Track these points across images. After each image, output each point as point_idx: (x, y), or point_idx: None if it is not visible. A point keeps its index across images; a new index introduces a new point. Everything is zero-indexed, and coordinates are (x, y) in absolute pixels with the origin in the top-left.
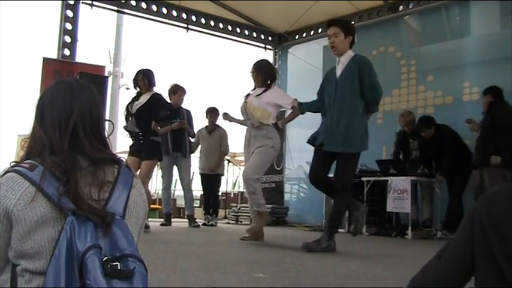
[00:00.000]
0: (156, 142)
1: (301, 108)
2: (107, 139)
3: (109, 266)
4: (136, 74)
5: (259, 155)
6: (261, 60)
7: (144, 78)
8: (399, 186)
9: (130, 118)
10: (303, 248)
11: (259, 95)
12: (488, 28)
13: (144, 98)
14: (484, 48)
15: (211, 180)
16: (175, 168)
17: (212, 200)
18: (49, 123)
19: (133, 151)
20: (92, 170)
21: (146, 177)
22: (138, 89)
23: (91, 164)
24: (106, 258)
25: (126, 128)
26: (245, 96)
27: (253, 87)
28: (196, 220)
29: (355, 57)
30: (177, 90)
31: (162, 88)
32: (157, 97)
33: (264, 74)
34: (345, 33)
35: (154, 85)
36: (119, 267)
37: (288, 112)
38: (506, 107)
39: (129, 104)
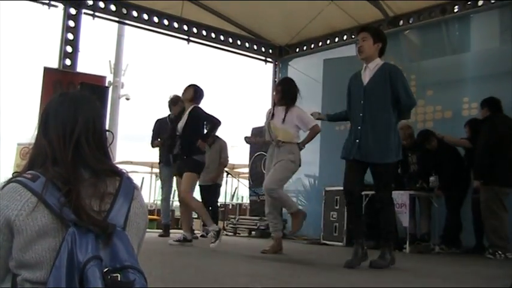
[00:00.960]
0: (198, 161)
1: (330, 120)
2: (109, 150)
3: (109, 277)
4: (188, 85)
5: (280, 168)
6: (285, 79)
7: (193, 89)
8: (398, 200)
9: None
10: (372, 267)
11: (284, 117)
12: (488, 43)
13: (185, 116)
14: (484, 64)
15: (209, 190)
16: (174, 179)
17: (211, 211)
18: (53, 134)
19: (177, 170)
20: (94, 182)
21: (188, 190)
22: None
23: (93, 176)
24: (107, 269)
25: (172, 152)
26: (269, 116)
27: (273, 103)
28: (195, 232)
29: (385, 66)
30: (177, 101)
31: (162, 99)
32: (195, 110)
33: (286, 95)
34: (374, 39)
35: (198, 102)
36: (119, 279)
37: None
38: (501, 120)
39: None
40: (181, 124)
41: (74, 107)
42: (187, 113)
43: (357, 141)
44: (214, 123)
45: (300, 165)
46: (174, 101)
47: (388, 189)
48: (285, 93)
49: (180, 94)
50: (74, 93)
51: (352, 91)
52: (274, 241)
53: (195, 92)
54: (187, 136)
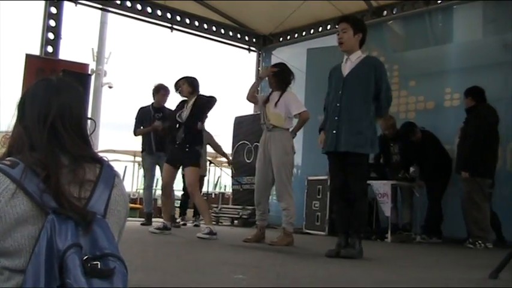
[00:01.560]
0: (199, 153)
1: (323, 130)
2: (89, 137)
3: (89, 265)
4: (178, 80)
5: (280, 171)
6: (278, 64)
7: (186, 83)
8: (380, 190)
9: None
10: (344, 256)
11: (276, 102)
12: (470, 35)
13: (189, 106)
14: (466, 55)
15: None
16: (157, 168)
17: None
18: (29, 120)
19: (171, 159)
20: (73, 168)
21: (196, 185)
22: (182, 95)
23: (72, 162)
24: (86, 257)
25: (174, 138)
26: (264, 101)
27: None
28: (178, 220)
29: (369, 59)
30: (159, 90)
31: (145, 87)
32: (199, 100)
33: (279, 79)
34: (354, 30)
35: (198, 91)
36: (99, 266)
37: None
38: (486, 110)
39: (177, 114)
40: (186, 114)
41: (51, 92)
42: (191, 103)
43: (334, 132)
44: (213, 101)
45: (294, 152)
46: (156, 89)
47: (361, 181)
48: (280, 77)
49: (163, 82)
50: (52, 79)
51: (332, 83)
52: (258, 230)
53: (190, 85)
54: (191, 125)
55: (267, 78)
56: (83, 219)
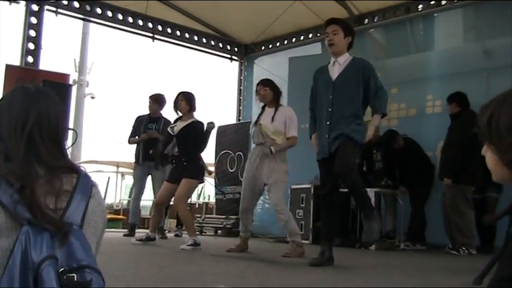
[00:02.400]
0: (201, 166)
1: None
2: (66, 148)
3: (65, 277)
4: (177, 95)
5: (278, 191)
6: (267, 80)
7: (186, 99)
8: None
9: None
10: (369, 230)
11: (273, 115)
12: (451, 42)
13: (184, 122)
14: (448, 62)
15: None
16: (149, 179)
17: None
18: (5, 129)
19: (172, 177)
20: (49, 179)
21: (184, 197)
22: (179, 112)
23: (48, 172)
24: (62, 269)
25: (163, 152)
26: (257, 120)
27: (261, 105)
28: (165, 232)
29: (357, 61)
30: (155, 99)
31: (127, 97)
32: (199, 127)
33: (277, 93)
34: (345, 33)
35: (194, 109)
36: (75, 279)
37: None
38: (470, 117)
39: (170, 127)
40: (181, 131)
41: (28, 101)
42: (189, 122)
43: (327, 136)
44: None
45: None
46: (152, 99)
47: (351, 167)
48: (276, 93)
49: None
50: (29, 88)
51: (319, 86)
52: (241, 240)
53: (188, 102)
54: (188, 143)
55: (259, 92)
56: (59, 230)
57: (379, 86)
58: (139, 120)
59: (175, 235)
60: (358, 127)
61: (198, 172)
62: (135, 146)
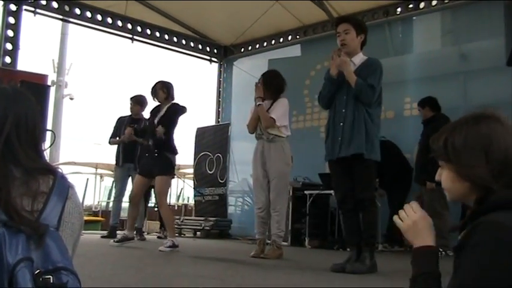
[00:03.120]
0: (170, 160)
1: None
2: (43, 149)
3: (41, 279)
4: (155, 84)
5: (279, 181)
6: (269, 72)
7: (164, 88)
8: None
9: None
10: (347, 271)
11: (269, 107)
12: (429, 45)
13: (161, 111)
14: (426, 65)
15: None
16: (130, 180)
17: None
18: None
19: (144, 170)
20: (25, 180)
21: (163, 195)
22: (157, 100)
23: (24, 174)
24: (38, 271)
25: (142, 143)
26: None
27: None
28: (144, 233)
29: (370, 61)
30: (136, 101)
31: (106, 98)
32: (174, 107)
33: (271, 88)
34: (357, 31)
35: (172, 97)
36: (51, 281)
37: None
38: (444, 122)
39: (149, 119)
40: (157, 120)
41: (5, 102)
42: (164, 109)
43: (340, 138)
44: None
45: (292, 161)
46: (133, 100)
47: (368, 189)
48: (268, 85)
49: (127, 92)
50: (6, 89)
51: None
52: (258, 244)
53: (166, 90)
54: (165, 132)
55: (258, 85)
56: (35, 232)
57: (370, 84)
58: (121, 121)
59: (159, 237)
60: (371, 139)
61: (168, 165)
62: (115, 147)
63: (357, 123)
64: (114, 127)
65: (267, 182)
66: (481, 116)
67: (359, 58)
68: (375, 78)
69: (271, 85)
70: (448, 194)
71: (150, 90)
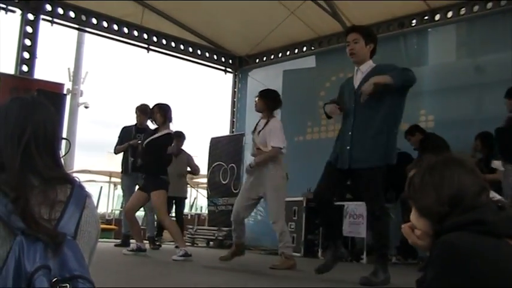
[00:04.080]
0: (160, 177)
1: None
2: (61, 158)
3: (58, 287)
4: (152, 107)
5: (276, 194)
6: (264, 90)
7: (160, 111)
8: (355, 211)
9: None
10: (361, 283)
11: (262, 128)
12: (444, 58)
13: (157, 134)
14: (440, 77)
15: (179, 203)
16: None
17: (179, 224)
18: (1, 140)
19: (141, 185)
20: (43, 189)
21: (162, 208)
22: (155, 124)
23: (42, 183)
24: (55, 279)
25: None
26: (253, 130)
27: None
28: (157, 243)
29: (380, 67)
30: (142, 110)
31: (121, 107)
32: (170, 139)
33: (269, 103)
34: (366, 41)
35: (170, 120)
36: None
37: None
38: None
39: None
40: (148, 140)
41: (25, 112)
42: (160, 134)
43: (348, 148)
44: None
45: (287, 178)
46: (139, 110)
47: (377, 200)
48: (267, 104)
49: (141, 102)
50: (26, 98)
51: (345, 96)
52: (235, 245)
53: (162, 115)
54: (152, 154)
55: (256, 102)
56: (52, 240)
57: (400, 68)
58: (126, 130)
59: (176, 246)
60: (379, 147)
61: (160, 183)
62: (121, 155)
63: (366, 134)
64: (119, 136)
65: (253, 195)
66: (444, 160)
67: (367, 66)
68: (398, 68)
69: (271, 103)
70: (416, 232)
71: (150, 114)
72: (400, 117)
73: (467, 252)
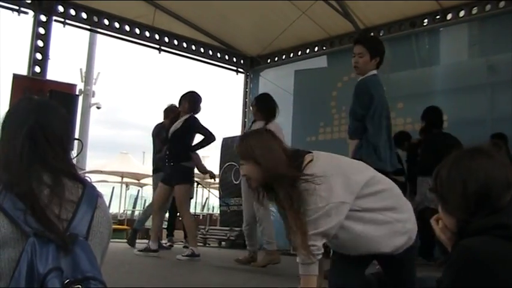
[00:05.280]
0: (187, 168)
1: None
2: (72, 158)
3: None
4: (181, 96)
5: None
6: (262, 95)
7: (186, 101)
8: None
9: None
10: None
11: None
12: (456, 57)
13: (178, 123)
14: (452, 77)
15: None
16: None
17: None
18: (9, 134)
19: (164, 178)
20: (54, 188)
21: (183, 204)
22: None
23: (53, 180)
24: (68, 280)
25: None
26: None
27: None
28: (164, 242)
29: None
30: (169, 111)
31: (133, 108)
32: (192, 120)
33: (264, 111)
34: (371, 54)
35: (195, 110)
36: None
37: None
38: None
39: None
40: (172, 129)
41: (35, 111)
42: (182, 120)
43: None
44: (209, 137)
45: None
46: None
47: None
48: (260, 107)
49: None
50: (36, 99)
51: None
52: (249, 254)
53: (189, 102)
54: (175, 143)
55: (251, 107)
56: (64, 241)
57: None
58: (158, 128)
59: (184, 246)
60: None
61: (186, 173)
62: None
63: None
64: (152, 134)
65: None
66: (472, 151)
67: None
68: (355, 100)
69: (264, 109)
70: (440, 224)
71: (178, 101)
72: None
73: (487, 257)
